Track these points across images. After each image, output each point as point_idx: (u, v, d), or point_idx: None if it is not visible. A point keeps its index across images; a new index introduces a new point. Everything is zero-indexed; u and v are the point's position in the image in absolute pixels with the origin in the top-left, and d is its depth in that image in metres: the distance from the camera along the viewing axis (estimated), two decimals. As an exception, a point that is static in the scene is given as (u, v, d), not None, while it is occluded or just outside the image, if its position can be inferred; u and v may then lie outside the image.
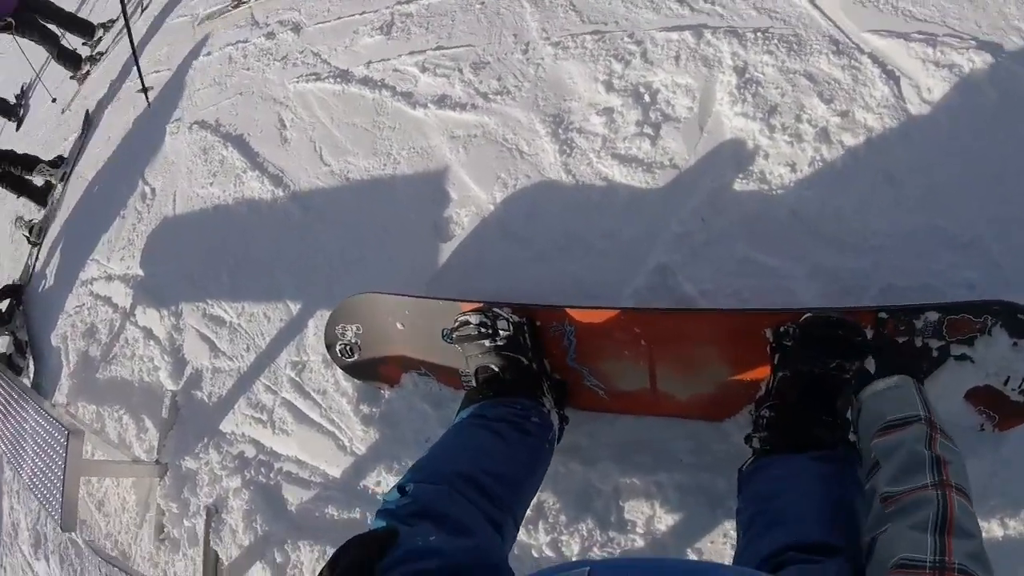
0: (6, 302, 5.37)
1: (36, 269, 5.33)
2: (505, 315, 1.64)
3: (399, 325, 1.98)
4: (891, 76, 1.68)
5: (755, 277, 1.64)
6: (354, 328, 2.11)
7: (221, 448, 2.72)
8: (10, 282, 5.61)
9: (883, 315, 1.34)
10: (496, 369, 1.62)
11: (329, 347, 2.21)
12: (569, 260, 1.90)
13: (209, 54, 4.03)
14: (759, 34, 1.88)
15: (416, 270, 2.24)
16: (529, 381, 1.63)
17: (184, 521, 2.76)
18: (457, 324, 1.69)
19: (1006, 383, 1.30)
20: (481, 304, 1.72)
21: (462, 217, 2.21)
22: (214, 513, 2.65)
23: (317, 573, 1.10)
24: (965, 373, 1.33)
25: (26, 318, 5.20)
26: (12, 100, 7.19)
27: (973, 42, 1.61)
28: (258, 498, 2.46)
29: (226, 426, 2.76)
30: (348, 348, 2.16)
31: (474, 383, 1.68)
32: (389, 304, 1.98)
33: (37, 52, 6.19)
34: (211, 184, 3.35)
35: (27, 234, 5.46)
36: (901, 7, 1.74)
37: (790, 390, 1.33)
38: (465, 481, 1.29)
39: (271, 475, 2.49)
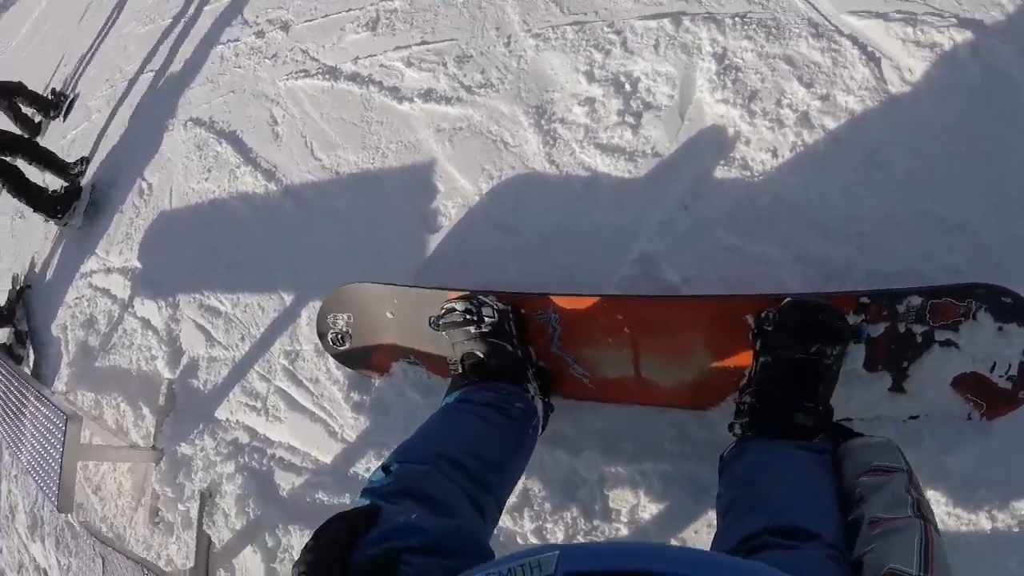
0: (4, 299, 5.30)
1: (39, 261, 5.31)
2: (490, 302, 1.59)
3: (388, 314, 1.94)
4: (871, 58, 1.59)
5: (739, 264, 1.56)
6: (345, 317, 2.07)
7: (216, 434, 2.70)
8: (12, 276, 5.55)
9: (865, 300, 1.26)
10: (481, 355, 1.58)
11: (321, 336, 2.17)
12: (554, 250, 1.83)
13: (201, 52, 3.93)
14: (737, 19, 1.80)
15: (405, 261, 2.17)
16: (514, 368, 1.59)
17: (179, 505, 2.75)
18: (443, 311, 1.64)
19: (993, 369, 1.21)
20: (467, 292, 1.67)
21: (449, 208, 2.13)
22: (208, 497, 2.65)
23: (304, 546, 1.06)
24: (951, 360, 1.25)
25: (27, 310, 5.15)
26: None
27: (953, 20, 1.52)
28: (251, 483, 2.44)
29: (221, 413, 2.73)
30: (339, 337, 2.11)
31: (460, 369, 1.64)
32: (378, 293, 1.94)
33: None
34: (206, 179, 3.27)
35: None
36: None
37: (771, 376, 1.27)
38: (449, 462, 1.27)
39: (264, 461, 2.46)
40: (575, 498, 1.66)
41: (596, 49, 1.99)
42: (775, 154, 1.61)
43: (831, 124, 1.57)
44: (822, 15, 1.69)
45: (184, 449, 2.81)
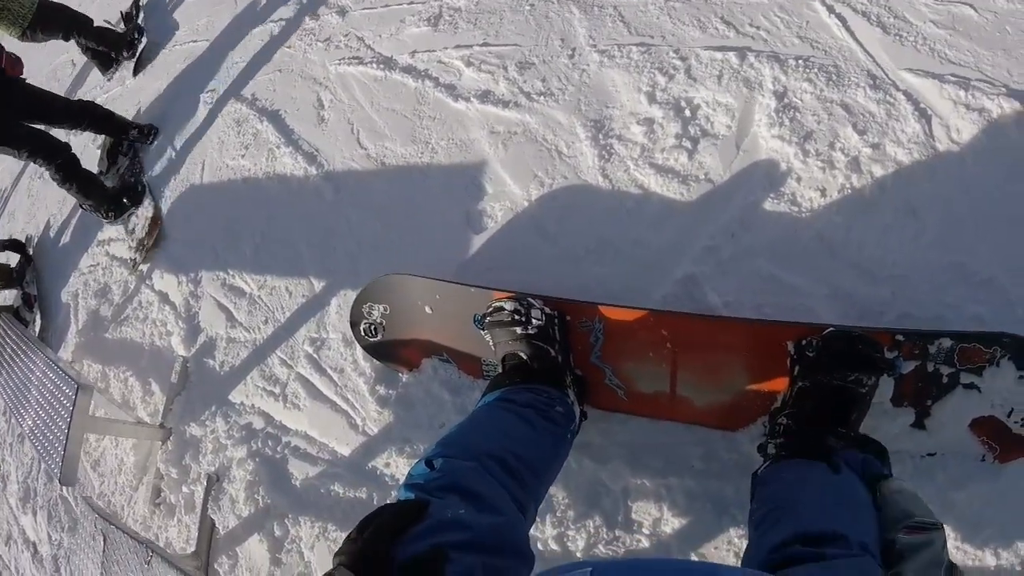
0: (17, 259, 5.44)
1: (54, 224, 5.35)
2: (538, 305, 1.72)
3: (427, 309, 2.06)
4: (923, 114, 1.76)
5: (778, 294, 1.72)
6: (381, 308, 2.19)
7: (229, 417, 2.80)
8: (25, 237, 5.70)
9: (900, 337, 1.43)
10: (524, 357, 1.69)
11: (353, 325, 2.28)
12: (599, 262, 1.99)
13: (250, 29, 4.07)
14: (800, 62, 1.97)
15: (445, 258, 2.32)
16: (555, 372, 1.70)
17: (183, 487, 2.83)
18: (491, 309, 1.77)
19: (1009, 415, 1.39)
20: (514, 293, 1.80)
21: (495, 211, 2.29)
22: (215, 481, 2.72)
23: (346, 535, 1.14)
24: (971, 402, 1.41)
25: (36, 273, 5.25)
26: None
27: (1004, 89, 1.69)
28: (263, 470, 2.54)
29: (236, 396, 2.83)
30: (372, 328, 2.24)
31: (500, 369, 1.76)
32: (420, 287, 2.05)
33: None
34: (242, 156, 3.44)
35: None
36: (937, 49, 1.82)
37: (808, 400, 1.41)
38: (494, 460, 1.34)
39: (278, 448, 2.56)
40: (599, 507, 1.79)
41: (660, 72, 2.17)
42: (823, 193, 1.78)
43: (878, 172, 1.75)
44: (881, 68, 1.87)
45: (193, 430, 2.89)
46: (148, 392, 3.35)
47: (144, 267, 3.64)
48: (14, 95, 3.72)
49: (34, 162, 3.88)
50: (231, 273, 3.15)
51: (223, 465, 2.70)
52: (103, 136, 4.61)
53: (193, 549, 2.63)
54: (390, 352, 2.29)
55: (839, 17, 2.00)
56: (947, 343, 1.40)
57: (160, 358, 3.35)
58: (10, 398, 3.62)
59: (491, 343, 1.83)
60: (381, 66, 3.03)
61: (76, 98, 4.29)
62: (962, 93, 1.73)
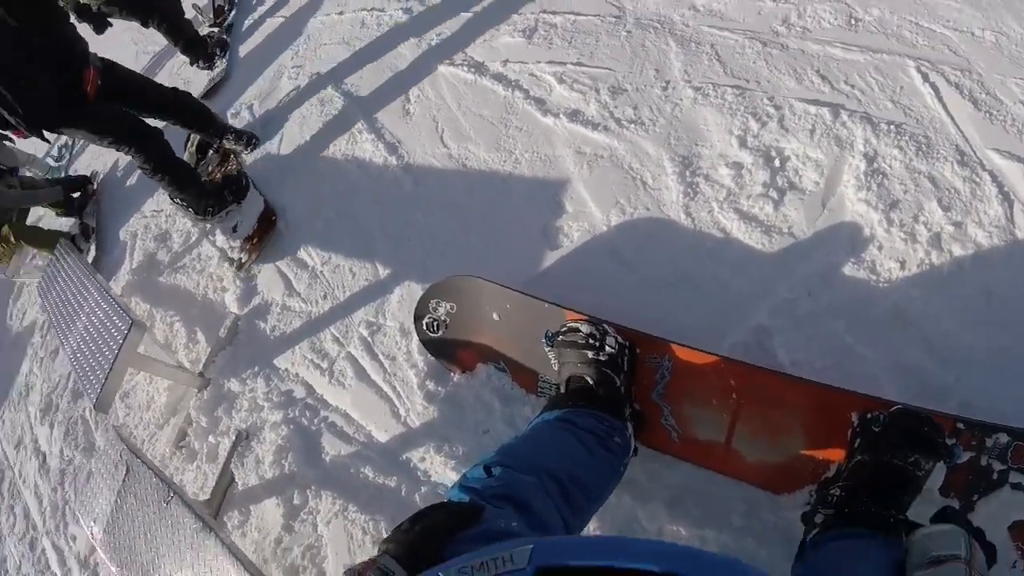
0: (78, 193, 5.61)
1: (121, 164, 5.40)
2: (613, 333, 1.73)
3: (495, 315, 2.08)
4: (1006, 198, 1.74)
5: (845, 358, 1.72)
6: (448, 306, 2.22)
7: (271, 381, 2.86)
8: (91, 172, 5.87)
9: (961, 425, 1.41)
10: (590, 382, 1.67)
11: (417, 318, 2.31)
12: (672, 297, 2.00)
13: (341, 13, 4.16)
14: (892, 127, 1.97)
15: (516, 268, 2.33)
16: (617, 402, 1.69)
17: (209, 437, 2.90)
18: (565, 329, 1.77)
19: None
20: (589, 316, 1.81)
21: (573, 230, 2.32)
22: (244, 438, 2.79)
23: (397, 525, 1.14)
24: (1016, 503, 1.38)
25: (98, 206, 5.43)
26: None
27: None
28: (296, 438, 2.59)
29: (281, 362, 2.89)
30: (435, 323, 2.26)
31: (562, 390, 1.74)
32: (492, 292, 2.07)
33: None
34: (323, 136, 3.51)
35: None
36: None
37: (865, 474, 1.40)
38: (552, 479, 1.35)
39: (315, 421, 2.61)
40: None
41: (753, 117, 2.18)
42: (903, 266, 1.78)
43: (958, 251, 1.73)
44: (969, 145, 1.86)
45: (232, 385, 2.98)
46: (192, 340, 3.44)
47: (255, 268, 3.39)
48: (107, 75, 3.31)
49: (118, 150, 3.44)
50: (298, 244, 3.21)
51: (255, 424, 2.75)
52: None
53: (206, 497, 2.70)
54: (448, 351, 2.31)
55: (933, 86, 1.99)
56: (1004, 439, 1.38)
57: (211, 311, 3.44)
58: (57, 317, 3.71)
59: (555, 361, 1.83)
60: (472, 70, 3.07)
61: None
62: (1047, 181, 1.73)
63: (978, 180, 1.80)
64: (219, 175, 3.94)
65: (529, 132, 2.68)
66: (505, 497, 1.25)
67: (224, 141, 3.90)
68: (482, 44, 3.15)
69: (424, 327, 2.30)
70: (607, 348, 1.70)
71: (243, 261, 3.43)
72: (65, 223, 5.83)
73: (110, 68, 3.30)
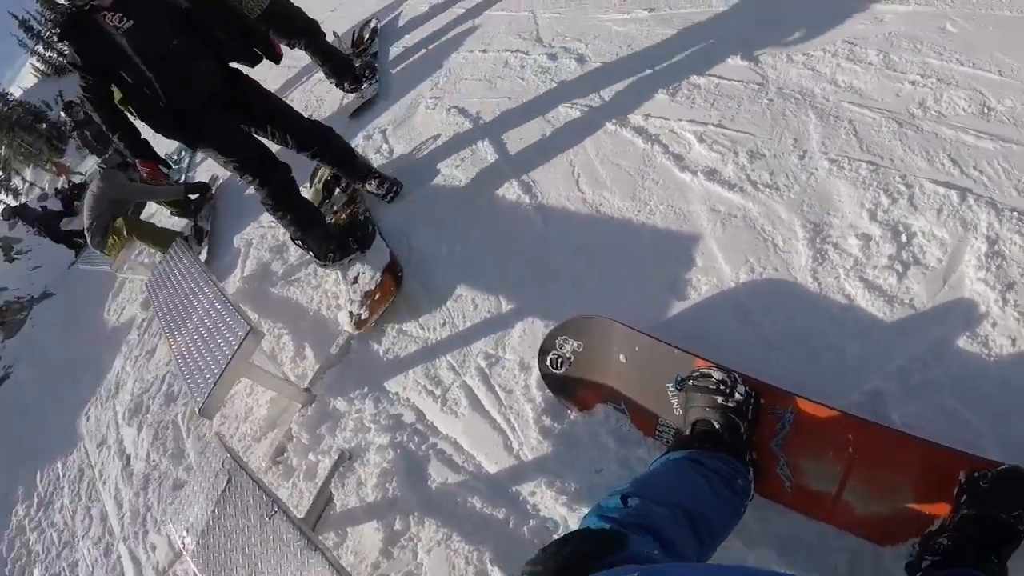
0: (196, 195, 6.22)
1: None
2: (742, 382, 1.98)
3: (622, 357, 2.33)
4: None
5: (954, 426, 1.99)
6: (574, 344, 2.46)
7: (380, 403, 3.12)
8: (210, 177, 6.50)
9: None
10: (717, 426, 1.90)
11: (543, 352, 2.54)
12: (792, 357, 2.31)
13: (485, 51, 4.68)
14: (1015, 214, 2.26)
15: (641, 313, 2.57)
16: (740, 447, 1.91)
17: (309, 454, 3.14)
18: (698, 374, 2.03)
19: None
20: (718, 364, 2.05)
21: (700, 283, 2.65)
22: (347, 458, 2.99)
23: (544, 546, 1.30)
24: None
25: (214, 211, 5.98)
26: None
27: None
28: (402, 462, 2.79)
29: (392, 386, 3.15)
30: (560, 360, 2.50)
31: (687, 432, 1.98)
32: (621, 335, 2.32)
33: None
34: (456, 167, 3.96)
35: None
36: None
37: (971, 526, 1.65)
38: (685, 513, 1.51)
39: (423, 447, 2.82)
40: None
41: (884, 193, 2.52)
42: (1014, 343, 2.06)
43: None
44: None
45: (339, 404, 3.22)
46: (300, 355, 3.73)
47: (372, 325, 3.51)
48: (242, 90, 3.55)
49: (241, 177, 3.60)
50: (419, 267, 3.55)
51: (360, 446, 2.96)
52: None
53: (302, 516, 2.77)
54: (568, 388, 2.51)
55: (1053, 178, 2.30)
56: None
57: (322, 327, 3.74)
58: (166, 317, 4.00)
59: (681, 405, 2.09)
60: (613, 120, 3.49)
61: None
62: None
63: (1088, 276, 2.09)
64: (344, 216, 4.09)
65: (665, 186, 3.03)
66: (643, 526, 1.40)
67: (366, 186, 4.04)
68: (624, 96, 3.58)
69: (548, 362, 2.52)
70: (736, 395, 1.94)
71: (363, 318, 3.50)
72: (178, 224, 6.44)
73: (249, 84, 3.60)
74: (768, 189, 2.78)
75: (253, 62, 3.58)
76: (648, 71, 3.62)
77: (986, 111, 2.57)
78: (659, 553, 1.34)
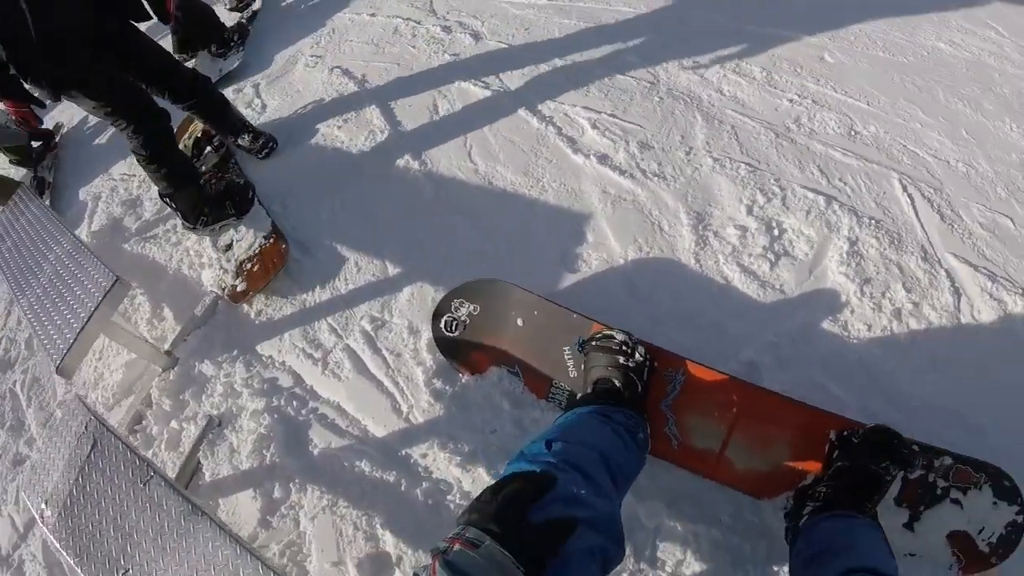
0: (39, 143, 5.62)
1: (94, 120, 5.41)
2: (642, 345, 2.08)
3: (519, 321, 2.39)
4: (956, 292, 2.35)
5: (820, 396, 2.20)
6: (471, 307, 2.49)
7: (252, 367, 2.96)
8: (55, 124, 5.90)
9: (915, 447, 1.86)
10: (618, 384, 1.99)
11: (437, 315, 2.55)
12: (678, 330, 2.48)
13: (373, 15, 4.60)
14: (872, 221, 2.59)
15: (535, 283, 2.56)
16: (639, 404, 2.03)
17: (172, 422, 2.91)
18: (601, 336, 2.10)
19: (980, 533, 1.82)
20: (616, 327, 2.14)
21: (591, 258, 2.79)
22: (216, 425, 2.81)
23: (476, 496, 1.32)
24: (953, 516, 1.84)
25: (57, 162, 5.39)
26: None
27: (1021, 290, 2.33)
28: (280, 428, 2.68)
29: (266, 349, 3.01)
30: (454, 323, 2.51)
31: (588, 391, 2.06)
32: (520, 298, 2.38)
33: None
34: (338, 128, 3.86)
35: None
36: (978, 246, 2.46)
37: (846, 476, 1.79)
38: (603, 457, 1.58)
39: (303, 412, 2.73)
40: (631, 540, 2.01)
41: (760, 192, 2.78)
42: (869, 328, 2.36)
43: (914, 324, 2.34)
44: (932, 246, 2.51)
45: (205, 368, 3.03)
46: (158, 316, 3.44)
47: (251, 300, 3.29)
48: (123, 36, 3.22)
49: (114, 123, 3.21)
50: (298, 229, 3.42)
51: (231, 411, 2.82)
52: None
53: None
54: (461, 351, 2.54)
55: (910, 196, 2.66)
56: (948, 461, 1.84)
57: (184, 287, 3.47)
58: (11, 269, 3.55)
59: (580, 365, 2.19)
60: (507, 97, 3.57)
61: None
62: (989, 284, 2.35)
63: (935, 274, 2.43)
64: (219, 178, 3.85)
65: (558, 165, 3.16)
66: (571, 466, 1.45)
67: (238, 140, 3.83)
68: (519, 76, 3.68)
69: (442, 326, 2.53)
70: (636, 356, 2.04)
71: (239, 290, 3.29)
72: (16, 174, 5.76)
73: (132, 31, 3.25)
74: (656, 178, 2.98)
75: (139, 17, 3.23)
76: (544, 56, 3.74)
77: (853, 133, 2.91)
78: (586, 492, 1.38)
